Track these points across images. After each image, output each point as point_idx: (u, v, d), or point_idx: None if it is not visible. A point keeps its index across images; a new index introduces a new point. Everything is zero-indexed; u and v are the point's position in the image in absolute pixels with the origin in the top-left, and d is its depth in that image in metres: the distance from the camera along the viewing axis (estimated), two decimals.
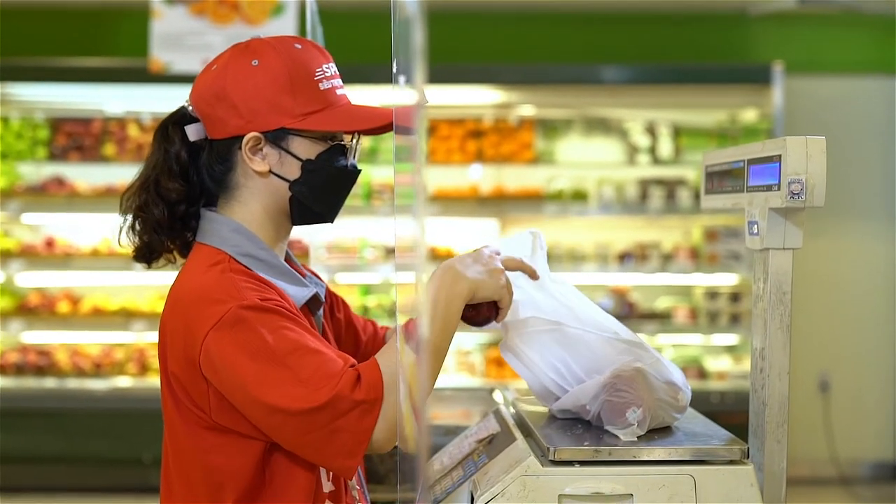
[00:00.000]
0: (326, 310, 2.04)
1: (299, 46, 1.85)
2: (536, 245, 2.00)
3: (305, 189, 1.84)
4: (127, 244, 1.90)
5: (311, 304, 1.90)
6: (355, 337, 2.15)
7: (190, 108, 1.88)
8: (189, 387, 1.73)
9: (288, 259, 1.99)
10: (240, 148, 1.82)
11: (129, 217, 1.89)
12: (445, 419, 2.59)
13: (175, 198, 1.86)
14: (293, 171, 1.83)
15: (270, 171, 1.83)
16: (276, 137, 1.81)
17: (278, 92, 1.79)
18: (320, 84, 1.83)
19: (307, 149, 1.83)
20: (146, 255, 1.92)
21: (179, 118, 1.90)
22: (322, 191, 1.86)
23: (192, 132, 1.87)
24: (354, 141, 1.89)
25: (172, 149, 1.87)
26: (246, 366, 1.65)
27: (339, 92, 1.87)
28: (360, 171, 1.92)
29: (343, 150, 1.86)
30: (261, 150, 1.82)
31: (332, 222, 1.94)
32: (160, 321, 1.82)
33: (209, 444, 1.75)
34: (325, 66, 1.85)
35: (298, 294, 1.85)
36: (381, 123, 1.83)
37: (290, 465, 1.76)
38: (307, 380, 1.64)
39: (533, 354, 1.91)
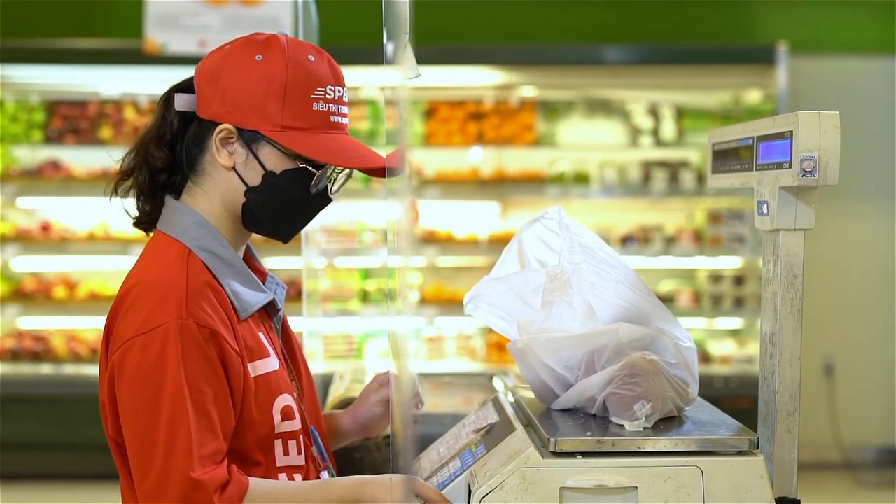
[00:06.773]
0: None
1: (312, 58, 1.77)
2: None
3: (259, 200, 1.78)
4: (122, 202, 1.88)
5: (268, 309, 1.86)
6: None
7: None
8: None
9: (249, 257, 1.93)
10: (213, 134, 1.78)
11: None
12: (444, 407, 2.53)
13: (159, 166, 1.83)
14: (254, 177, 1.77)
15: (234, 168, 1.78)
16: (250, 139, 1.76)
17: (267, 95, 1.73)
18: (315, 103, 1.75)
19: (276, 161, 1.76)
20: (142, 220, 1.89)
21: (185, 87, 1.86)
22: (275, 208, 1.80)
23: (181, 100, 1.82)
24: (336, 173, 1.83)
25: (169, 116, 1.84)
26: (137, 403, 1.66)
27: (334, 119, 1.79)
28: (329, 200, 1.85)
29: (312, 177, 1.78)
30: (231, 143, 1.77)
31: (285, 242, 1.89)
32: (110, 310, 1.76)
33: None
34: (329, 88, 1.77)
35: (253, 298, 1.79)
36: (362, 165, 1.76)
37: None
38: (188, 451, 1.61)
39: (546, 359, 1.84)
